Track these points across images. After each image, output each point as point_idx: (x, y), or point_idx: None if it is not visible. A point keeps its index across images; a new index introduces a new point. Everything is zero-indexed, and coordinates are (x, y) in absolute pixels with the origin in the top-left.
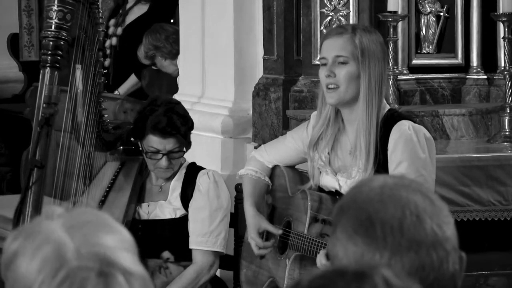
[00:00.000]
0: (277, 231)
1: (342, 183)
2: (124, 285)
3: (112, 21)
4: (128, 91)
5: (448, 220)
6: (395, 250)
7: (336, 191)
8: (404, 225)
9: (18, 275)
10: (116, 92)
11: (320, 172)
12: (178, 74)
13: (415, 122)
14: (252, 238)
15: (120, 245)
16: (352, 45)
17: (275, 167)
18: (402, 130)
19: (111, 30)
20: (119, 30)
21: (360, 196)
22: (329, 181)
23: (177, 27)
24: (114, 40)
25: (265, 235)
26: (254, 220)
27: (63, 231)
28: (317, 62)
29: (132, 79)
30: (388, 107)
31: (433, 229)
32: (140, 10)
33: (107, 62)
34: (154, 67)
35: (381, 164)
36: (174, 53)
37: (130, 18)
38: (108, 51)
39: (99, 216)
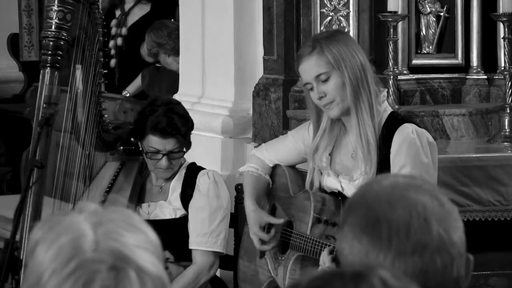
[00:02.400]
0: (279, 221)
1: (345, 185)
2: (135, 282)
3: (113, 22)
4: (137, 90)
5: (456, 224)
6: (399, 252)
7: (339, 192)
8: (410, 227)
9: (35, 264)
10: (124, 92)
11: (321, 173)
12: None
13: (417, 125)
14: (255, 234)
15: (141, 245)
16: (325, 59)
17: (276, 166)
18: (406, 133)
19: (113, 31)
20: (124, 30)
21: (370, 195)
22: (331, 183)
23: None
24: (119, 41)
25: (266, 228)
26: (255, 215)
27: (88, 224)
28: None
29: (141, 78)
30: (390, 109)
31: (440, 234)
32: (142, 10)
33: (113, 62)
34: (158, 65)
35: (383, 167)
36: (177, 50)
37: (133, 18)
38: (113, 52)
39: (129, 216)
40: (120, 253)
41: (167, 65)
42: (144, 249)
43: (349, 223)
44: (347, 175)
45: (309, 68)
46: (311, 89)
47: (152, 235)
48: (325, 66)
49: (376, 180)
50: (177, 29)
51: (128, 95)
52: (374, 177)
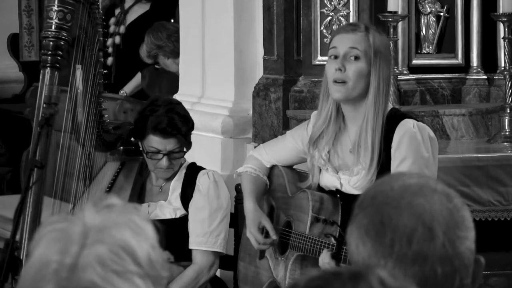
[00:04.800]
0: (273, 234)
1: (344, 182)
2: None
3: (112, 20)
4: (134, 90)
5: (465, 234)
6: (400, 261)
7: (337, 190)
8: (414, 237)
9: (31, 258)
10: (121, 92)
11: (320, 170)
12: None
13: (418, 120)
14: (252, 233)
15: (125, 269)
16: (366, 43)
17: (273, 167)
18: (407, 128)
19: (112, 29)
20: (122, 29)
21: (380, 196)
22: (329, 180)
23: (179, 25)
24: (117, 39)
25: (264, 232)
26: (254, 215)
27: (78, 238)
28: (317, 62)
29: (138, 78)
30: (390, 106)
31: (444, 245)
32: (141, 8)
33: (109, 61)
34: (157, 66)
35: (384, 162)
36: (176, 52)
37: (131, 16)
38: (110, 50)
39: (130, 225)
40: (91, 283)
41: (166, 67)
42: (127, 274)
43: (357, 221)
44: (347, 171)
45: (349, 39)
46: (335, 57)
47: (144, 253)
48: (363, 47)
49: (388, 180)
50: (176, 31)
51: (125, 95)
52: (391, 174)
